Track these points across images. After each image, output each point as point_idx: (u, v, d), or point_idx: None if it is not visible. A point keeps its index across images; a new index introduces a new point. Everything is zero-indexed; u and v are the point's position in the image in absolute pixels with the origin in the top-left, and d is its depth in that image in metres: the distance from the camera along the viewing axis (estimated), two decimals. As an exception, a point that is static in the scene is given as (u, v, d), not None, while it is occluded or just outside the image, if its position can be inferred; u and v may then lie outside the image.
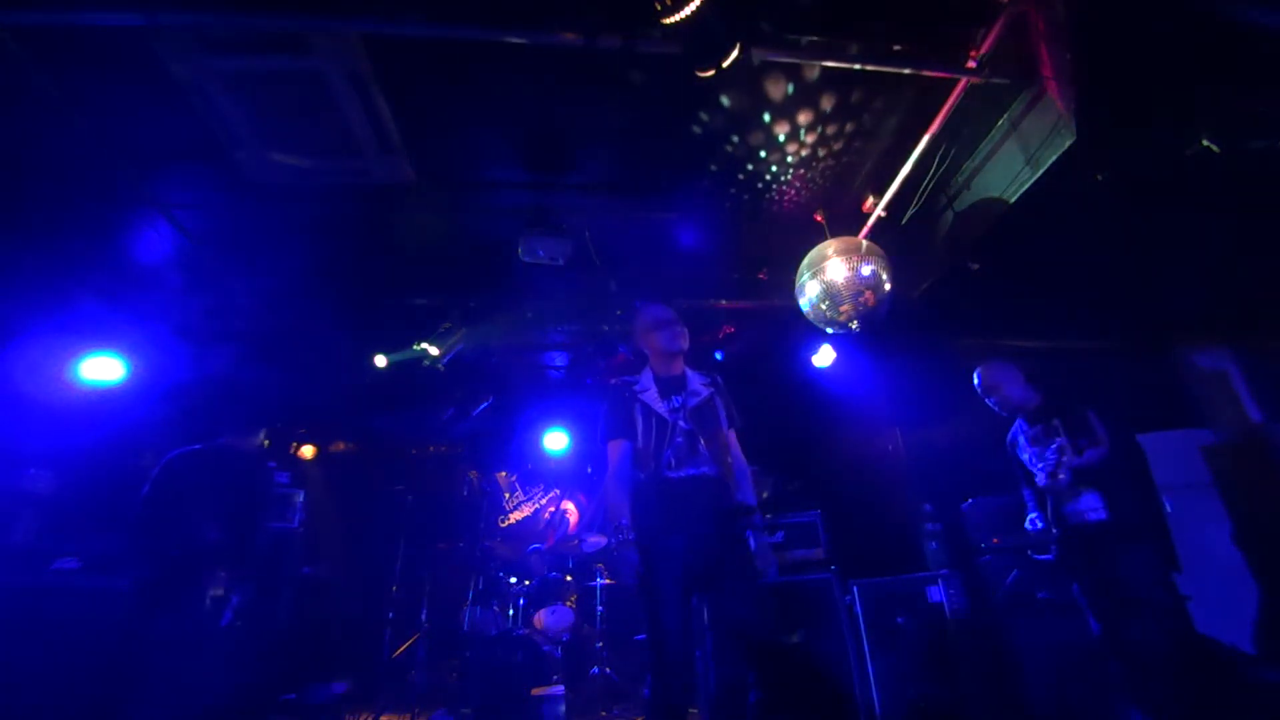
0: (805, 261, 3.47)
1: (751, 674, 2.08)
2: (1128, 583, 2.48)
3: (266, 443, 5.89)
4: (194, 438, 3.18)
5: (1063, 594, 2.98)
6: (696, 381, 2.49)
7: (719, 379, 2.56)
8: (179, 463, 3.00)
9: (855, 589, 3.71)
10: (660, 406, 2.39)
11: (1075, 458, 2.64)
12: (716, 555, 2.21)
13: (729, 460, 2.39)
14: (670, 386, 2.46)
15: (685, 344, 2.51)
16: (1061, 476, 2.62)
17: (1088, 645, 3.06)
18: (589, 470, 7.16)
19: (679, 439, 2.33)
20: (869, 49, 2.62)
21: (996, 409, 3.05)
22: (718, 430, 2.40)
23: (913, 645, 3.48)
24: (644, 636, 2.23)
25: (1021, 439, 2.98)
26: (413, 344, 4.54)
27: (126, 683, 2.69)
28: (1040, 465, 2.77)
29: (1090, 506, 2.61)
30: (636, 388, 2.45)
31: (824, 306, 3.41)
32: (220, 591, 2.83)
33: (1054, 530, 2.80)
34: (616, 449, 2.37)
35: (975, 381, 3.08)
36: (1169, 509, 2.80)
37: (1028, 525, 2.93)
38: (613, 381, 2.52)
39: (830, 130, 3.18)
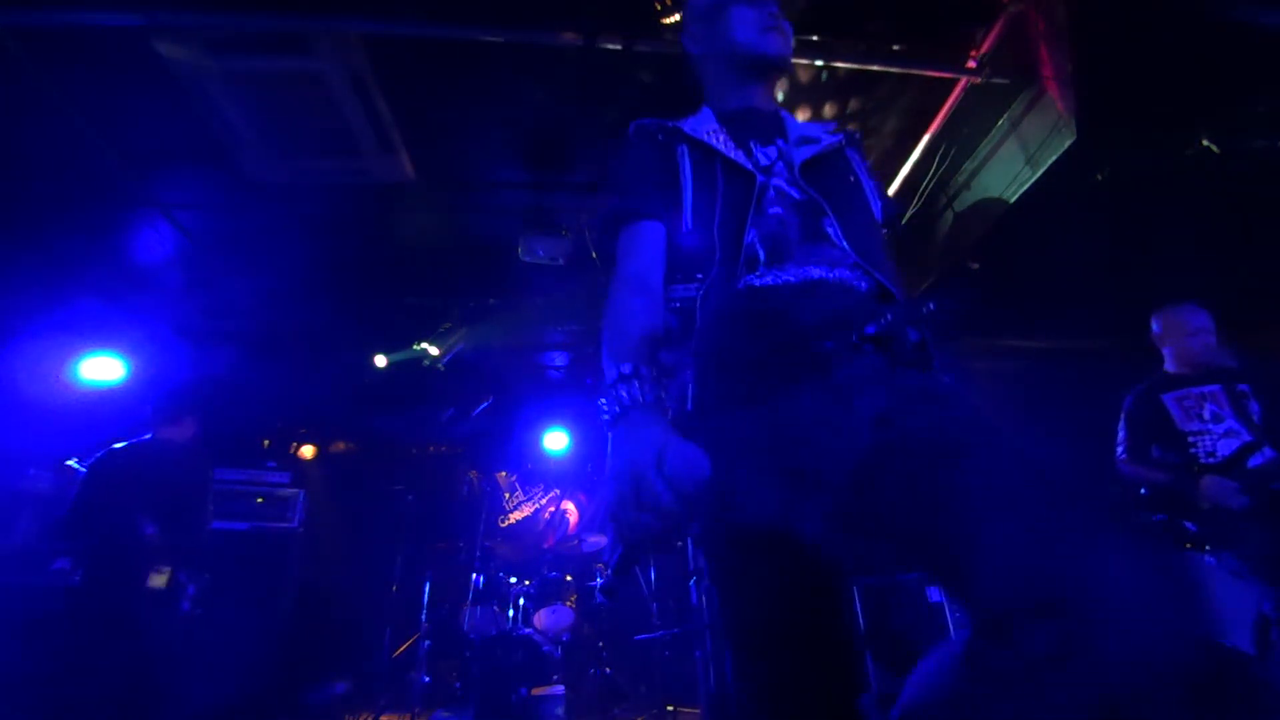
0: (805, 261, 3.47)
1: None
2: None
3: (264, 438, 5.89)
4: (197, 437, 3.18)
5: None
6: (812, 127, 1.25)
7: (858, 134, 1.30)
8: (106, 461, 2.95)
9: (855, 589, 3.70)
10: (735, 153, 1.13)
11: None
12: (877, 440, 0.84)
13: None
14: (755, 125, 1.21)
15: (789, 49, 1.25)
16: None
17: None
18: (589, 469, 7.17)
19: (776, 210, 1.08)
20: (869, 49, 2.62)
21: (1193, 348, 2.80)
22: (861, 203, 1.17)
23: (913, 645, 3.47)
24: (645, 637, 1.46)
25: (1181, 392, 2.81)
26: (413, 344, 4.54)
27: (124, 681, 2.69)
28: (1218, 425, 2.65)
29: None
30: (685, 126, 1.21)
31: (824, 306, 3.41)
32: (162, 582, 2.78)
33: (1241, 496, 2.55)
34: (633, 237, 1.11)
35: (1188, 315, 2.85)
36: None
37: (1207, 486, 2.61)
38: (634, 123, 1.29)
39: (830, 130, 3.19)
